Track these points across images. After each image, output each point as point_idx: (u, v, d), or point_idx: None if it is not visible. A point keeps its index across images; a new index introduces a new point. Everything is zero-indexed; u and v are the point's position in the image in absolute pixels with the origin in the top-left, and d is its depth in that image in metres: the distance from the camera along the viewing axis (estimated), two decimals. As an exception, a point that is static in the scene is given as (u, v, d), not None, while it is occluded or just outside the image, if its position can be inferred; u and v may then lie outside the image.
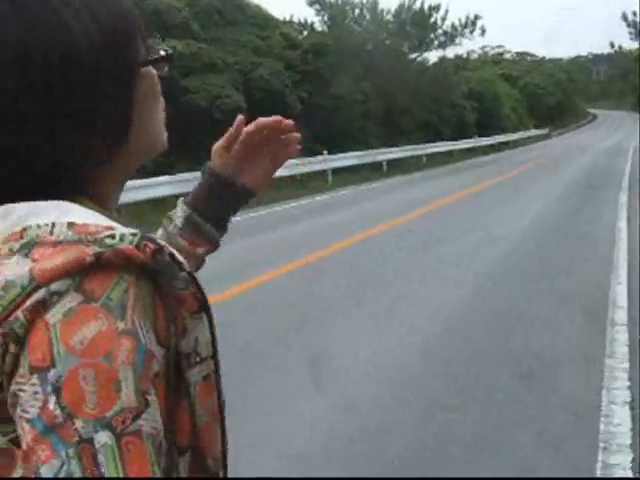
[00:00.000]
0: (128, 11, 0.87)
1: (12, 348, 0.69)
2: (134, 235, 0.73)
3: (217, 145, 1.19)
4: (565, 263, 9.98)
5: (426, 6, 33.26)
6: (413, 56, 34.16)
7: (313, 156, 24.16)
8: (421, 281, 8.99)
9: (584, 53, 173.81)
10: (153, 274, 0.73)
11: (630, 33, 49.93)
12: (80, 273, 0.70)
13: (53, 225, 0.74)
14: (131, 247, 0.72)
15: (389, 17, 33.14)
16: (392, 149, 30.01)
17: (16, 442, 0.71)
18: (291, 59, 27.37)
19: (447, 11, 33.18)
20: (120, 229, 0.75)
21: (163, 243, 0.75)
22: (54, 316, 0.69)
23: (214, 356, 0.82)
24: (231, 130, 1.17)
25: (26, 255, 0.73)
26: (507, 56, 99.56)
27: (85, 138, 0.81)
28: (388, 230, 13.05)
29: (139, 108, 0.87)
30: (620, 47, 47.20)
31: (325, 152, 24.49)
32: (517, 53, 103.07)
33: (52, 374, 0.68)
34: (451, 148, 37.59)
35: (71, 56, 0.79)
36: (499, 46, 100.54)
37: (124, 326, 0.70)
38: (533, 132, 60.48)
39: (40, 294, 0.69)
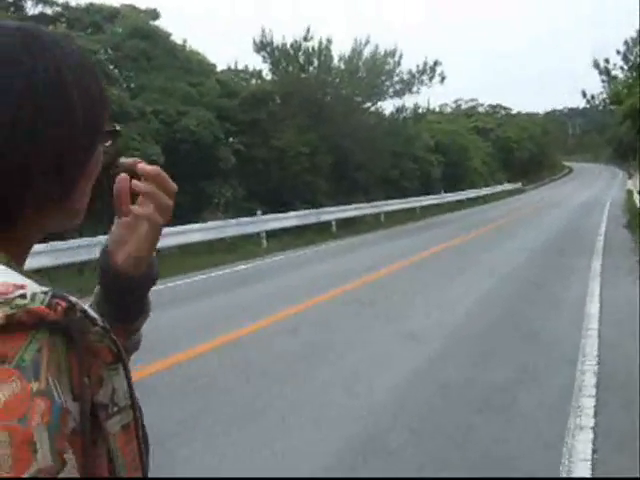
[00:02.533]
0: (102, 87, 0.95)
1: None
2: (45, 294, 0.73)
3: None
4: (497, 399, 6.47)
5: (381, 51, 30.46)
6: (367, 105, 31.20)
7: (250, 216, 21.37)
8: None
9: (559, 107, 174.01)
10: (66, 330, 0.73)
11: (602, 81, 48.09)
12: None
13: None
14: (42, 307, 0.72)
15: (340, 64, 30.28)
16: (344, 207, 26.99)
17: None
18: (227, 108, 24.51)
19: (401, 56, 30.38)
20: (31, 288, 0.74)
21: (74, 300, 0.75)
22: None
23: (132, 405, 0.83)
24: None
25: None
26: (480, 109, 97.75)
27: (41, 185, 0.84)
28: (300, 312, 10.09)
29: (87, 173, 0.92)
30: (593, 96, 44.94)
31: (259, 212, 21.56)
32: (490, 106, 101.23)
33: None
34: (413, 205, 34.71)
35: (65, 109, 0.86)
36: (472, 99, 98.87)
37: (38, 386, 0.70)
38: (506, 186, 58.05)
39: None
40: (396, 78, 30.96)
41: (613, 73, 39.53)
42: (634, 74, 21.67)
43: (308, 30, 30.53)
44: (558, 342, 8.29)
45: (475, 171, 51.96)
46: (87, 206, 0.96)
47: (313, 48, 30.41)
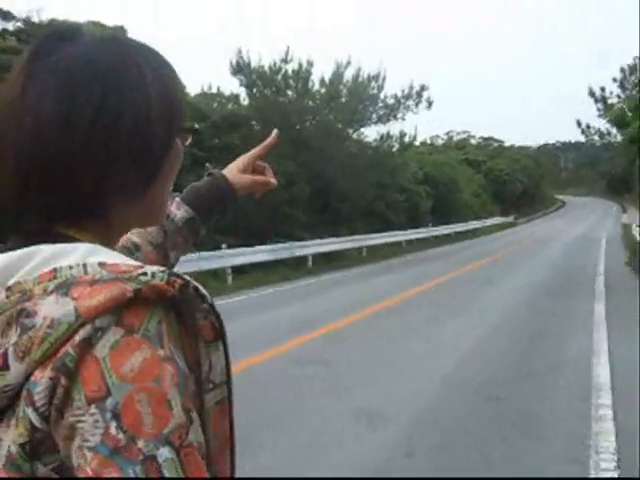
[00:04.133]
0: (181, 87, 1.00)
1: (63, 382, 0.74)
2: (162, 272, 0.80)
3: (245, 157, 1.52)
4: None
5: (364, 74, 28.56)
6: (349, 131, 29.24)
7: (216, 250, 19.25)
8: None
9: (552, 141, 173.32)
10: (178, 306, 0.81)
11: (598, 109, 46.48)
12: (119, 308, 0.76)
13: (85, 265, 0.81)
14: (162, 282, 0.79)
15: (322, 88, 28.37)
16: (322, 241, 24.86)
17: (57, 470, 0.77)
18: (195, 132, 22.53)
19: (384, 78, 28.47)
20: (149, 267, 0.81)
21: (188, 278, 0.82)
22: (101, 350, 0.75)
23: (228, 382, 0.89)
24: (260, 151, 1.53)
25: (65, 294, 0.77)
26: (472, 141, 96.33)
27: (125, 173, 0.89)
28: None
29: (165, 171, 0.96)
30: (588, 126, 43.46)
31: (224, 245, 19.44)
32: (482, 138, 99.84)
33: (109, 402, 0.74)
34: (399, 239, 32.66)
35: (144, 108, 0.91)
36: (464, 131, 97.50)
37: (164, 353, 0.77)
38: (498, 219, 56.15)
39: (86, 330, 0.75)
40: (380, 104, 28.99)
41: (610, 101, 37.86)
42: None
43: (287, 52, 28.69)
44: (558, 436, 6.12)
45: (465, 204, 50.05)
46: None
47: (293, 70, 28.56)
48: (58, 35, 0.93)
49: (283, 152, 25.29)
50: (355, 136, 29.98)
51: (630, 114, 17.75)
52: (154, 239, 1.38)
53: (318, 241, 24.51)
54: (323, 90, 28.27)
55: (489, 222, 52.58)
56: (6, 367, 0.76)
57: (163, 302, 0.80)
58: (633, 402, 6.91)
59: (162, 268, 0.82)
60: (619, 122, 19.21)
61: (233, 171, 1.49)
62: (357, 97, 28.21)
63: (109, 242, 0.93)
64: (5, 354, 0.76)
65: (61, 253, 0.83)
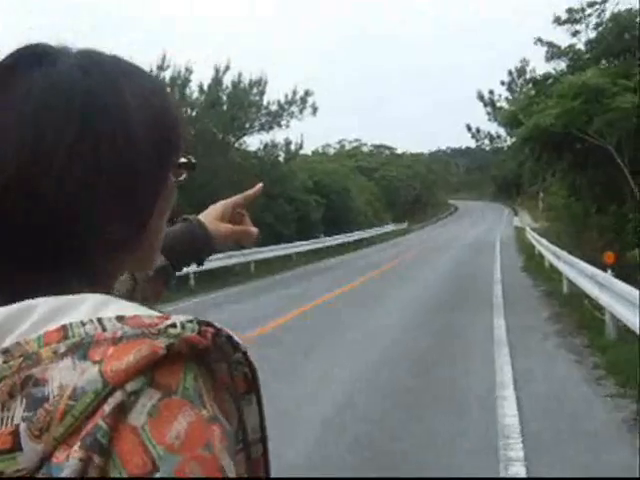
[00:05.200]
0: (178, 117, 0.89)
1: (97, 461, 0.65)
2: (191, 322, 0.72)
3: (222, 205, 1.44)
4: None
5: (245, 81, 26.95)
6: (231, 140, 27.56)
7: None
8: None
9: (443, 147, 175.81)
10: (209, 357, 0.73)
11: (488, 113, 46.47)
12: (150, 368, 0.68)
13: (100, 321, 0.71)
14: (194, 334, 0.71)
15: (201, 96, 26.62)
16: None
17: None
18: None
19: (266, 82, 26.94)
20: (174, 317, 0.73)
21: (219, 326, 0.74)
22: (138, 418, 0.66)
23: (263, 440, 0.81)
24: (239, 199, 1.46)
25: (83, 357, 0.68)
26: (364, 149, 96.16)
27: (107, 221, 0.79)
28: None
29: (158, 210, 0.86)
30: (478, 130, 43.67)
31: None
32: (374, 146, 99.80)
33: (158, 477, 0.65)
34: (289, 251, 31.14)
35: (125, 139, 0.80)
36: (356, 139, 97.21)
37: (207, 413, 0.69)
38: (391, 227, 55.47)
39: (117, 397, 0.66)
40: (263, 110, 27.45)
41: (498, 104, 37.50)
42: (531, 92, 18.92)
43: (164, 58, 26.83)
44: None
45: (358, 212, 49.04)
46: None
47: (171, 77, 26.73)
48: (32, 55, 0.82)
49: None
50: (237, 145, 28.30)
51: (522, 113, 16.85)
52: (122, 287, 1.20)
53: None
54: (202, 97, 26.52)
55: (383, 230, 51.78)
56: (18, 448, 0.65)
57: (195, 355, 0.71)
58: (547, 452, 5.55)
59: (190, 317, 0.73)
60: (512, 122, 18.34)
61: (210, 217, 1.41)
62: (238, 104, 26.57)
63: (106, 290, 0.81)
64: (15, 432, 0.65)
65: (67, 306, 0.73)
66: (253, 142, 50.31)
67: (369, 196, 58.26)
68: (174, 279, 1.40)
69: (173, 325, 0.71)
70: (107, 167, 0.77)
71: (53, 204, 0.75)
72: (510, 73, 35.41)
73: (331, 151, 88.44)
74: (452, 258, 28.09)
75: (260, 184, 1.50)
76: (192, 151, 0.91)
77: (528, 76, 18.79)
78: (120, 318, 0.71)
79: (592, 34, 17.53)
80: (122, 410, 0.66)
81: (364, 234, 45.37)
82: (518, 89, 29.63)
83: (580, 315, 12.02)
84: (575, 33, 17.87)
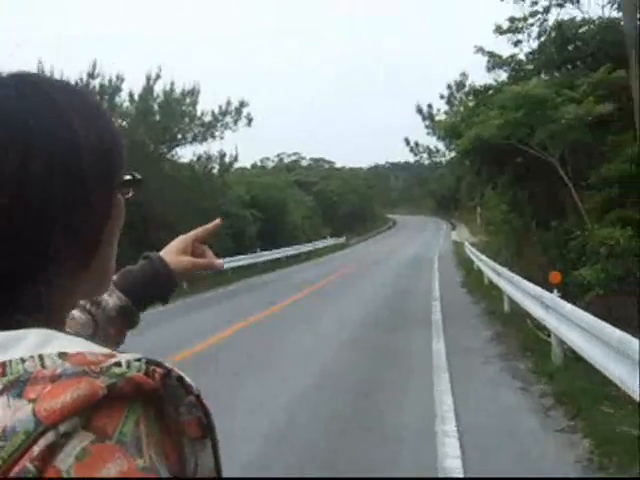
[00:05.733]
0: (119, 132, 0.86)
1: None
2: (139, 360, 0.69)
3: (182, 240, 1.41)
4: None
5: (178, 90, 26.01)
6: (162, 151, 26.55)
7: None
8: None
9: (382, 162, 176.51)
10: (157, 400, 0.69)
11: (426, 127, 46.31)
12: (87, 409, 0.64)
13: (41, 358, 0.68)
14: (140, 374, 0.67)
15: (131, 104, 25.57)
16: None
17: None
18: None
19: (198, 92, 26.03)
20: (121, 355, 0.69)
21: (170, 366, 0.71)
22: (65, 460, 0.62)
23: None
24: (200, 232, 1.44)
25: (18, 395, 0.65)
26: (303, 162, 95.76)
27: (59, 248, 0.76)
28: None
29: (109, 231, 0.84)
30: (417, 144, 43.37)
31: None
32: (313, 159, 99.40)
33: None
34: (226, 267, 30.19)
35: (73, 159, 0.77)
36: (295, 153, 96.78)
37: (143, 463, 0.64)
38: (329, 241, 54.79)
39: (49, 438, 0.62)
40: (196, 121, 26.53)
41: (437, 118, 37.20)
42: (470, 103, 18.37)
43: (94, 65, 25.77)
44: None
45: (296, 226, 48.31)
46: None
47: (101, 86, 25.67)
48: None
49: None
50: (169, 157, 27.32)
51: (463, 124, 16.30)
52: (83, 330, 1.16)
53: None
54: (132, 106, 25.50)
55: (321, 244, 51.07)
56: None
57: (140, 397, 0.66)
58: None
59: (137, 355, 0.69)
60: (452, 134, 17.76)
61: (171, 253, 1.38)
62: (170, 114, 25.62)
63: (58, 323, 0.78)
64: None
65: (7, 342, 0.70)
66: (186, 154, 49.36)
67: (307, 210, 57.63)
68: (139, 320, 1.34)
69: (118, 364, 0.67)
70: (59, 189, 0.74)
71: (3, 231, 0.72)
72: (449, 86, 35.15)
73: (270, 164, 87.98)
74: (389, 273, 27.47)
75: (219, 220, 1.50)
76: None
77: (467, 88, 18.13)
78: (62, 355, 0.67)
79: (534, 44, 17.19)
80: (52, 452, 0.61)
81: (302, 248, 44.59)
82: (457, 102, 29.22)
83: (523, 336, 11.42)
84: (517, 43, 17.44)
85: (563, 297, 9.07)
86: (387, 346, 11.34)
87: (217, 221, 1.51)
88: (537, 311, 10.42)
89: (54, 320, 0.77)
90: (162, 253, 1.38)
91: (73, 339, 0.73)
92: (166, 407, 0.69)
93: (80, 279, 0.81)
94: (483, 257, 21.27)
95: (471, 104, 17.97)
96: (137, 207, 23.99)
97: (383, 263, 34.18)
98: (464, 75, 23.14)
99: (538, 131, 13.81)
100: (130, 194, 0.89)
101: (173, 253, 1.38)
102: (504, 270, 14.72)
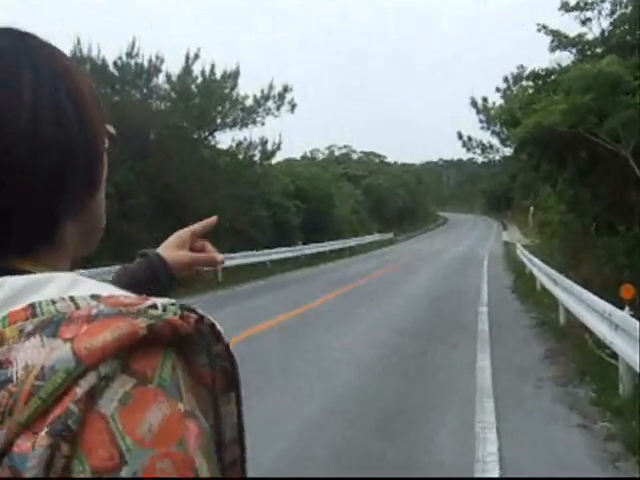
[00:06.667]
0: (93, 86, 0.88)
1: (65, 449, 0.58)
2: (174, 305, 0.67)
3: (179, 235, 1.33)
4: None
5: (218, 72, 24.75)
6: (201, 136, 25.30)
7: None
8: None
9: (435, 159, 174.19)
10: (188, 346, 0.67)
11: (481, 121, 44.27)
12: (126, 351, 0.62)
13: (73, 299, 0.65)
14: (176, 317, 0.66)
15: (168, 86, 24.40)
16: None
17: None
18: None
19: (238, 74, 24.71)
20: (155, 299, 0.68)
21: (202, 312, 0.69)
22: (108, 405, 0.60)
23: (240, 440, 0.76)
24: (197, 228, 1.35)
25: (53, 335, 0.62)
26: (354, 156, 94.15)
27: (75, 184, 0.78)
28: None
29: (104, 174, 0.86)
30: (470, 138, 41.34)
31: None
32: (364, 153, 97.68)
33: (125, 473, 0.59)
34: (263, 259, 28.94)
35: (81, 107, 0.80)
36: (346, 146, 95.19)
37: (184, 408, 0.63)
38: (376, 237, 53.27)
39: (90, 379, 0.60)
40: (238, 105, 25.26)
41: (492, 112, 35.36)
42: (528, 88, 16.60)
43: (133, 44, 24.68)
44: None
45: (342, 220, 46.91)
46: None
47: (140, 66, 24.58)
48: None
49: (119, 159, 21.27)
50: (207, 142, 26.09)
51: (520, 112, 14.60)
52: None
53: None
54: (167, 87, 24.32)
55: (368, 239, 49.65)
56: None
57: (174, 342, 0.65)
58: None
59: (171, 300, 0.68)
60: (509, 121, 16.01)
61: (169, 249, 1.32)
62: (208, 96, 24.38)
63: (67, 264, 0.80)
64: None
65: (35, 285, 0.68)
66: (225, 139, 48.29)
67: (354, 204, 56.27)
68: None
69: (154, 306, 0.65)
70: (74, 131, 0.77)
71: (24, 166, 0.73)
72: (506, 79, 33.22)
73: (320, 156, 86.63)
74: (435, 274, 25.90)
75: (214, 217, 1.42)
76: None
77: (527, 73, 16.29)
78: (95, 297, 0.65)
79: (605, 23, 15.34)
80: (94, 394, 0.59)
81: (347, 243, 43.21)
82: (515, 90, 27.37)
83: (582, 356, 9.88)
84: (585, 21, 15.60)
85: (636, 315, 7.54)
86: (425, 361, 9.92)
87: (213, 218, 1.40)
88: (600, 328, 8.91)
89: (65, 261, 0.78)
90: (160, 249, 1.31)
91: (100, 283, 0.70)
92: (196, 354, 0.66)
93: (80, 223, 0.79)
94: (536, 261, 19.62)
95: (531, 91, 16.18)
96: (172, 193, 22.93)
97: (429, 262, 32.59)
98: (521, 67, 21.47)
99: (610, 119, 12.03)
100: (107, 145, 0.87)
101: (171, 249, 1.31)
102: (561, 277, 13.14)
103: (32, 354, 0.60)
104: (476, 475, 5.50)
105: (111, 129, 0.89)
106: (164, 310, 0.65)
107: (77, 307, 0.64)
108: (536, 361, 10.00)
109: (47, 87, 0.76)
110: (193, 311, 0.67)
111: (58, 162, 0.75)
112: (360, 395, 8.06)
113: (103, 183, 0.85)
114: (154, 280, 1.26)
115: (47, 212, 0.75)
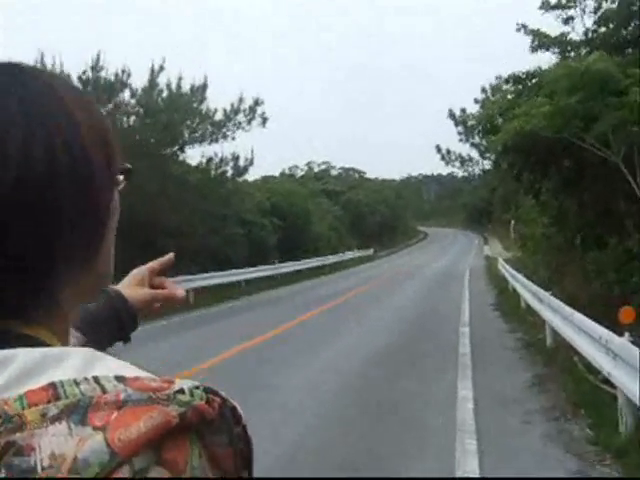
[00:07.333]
0: (109, 125, 0.82)
1: None
2: (198, 388, 0.64)
3: (138, 272, 1.31)
4: None
5: (186, 85, 23.83)
6: (168, 151, 24.32)
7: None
8: None
9: (415, 174, 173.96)
10: (209, 431, 0.64)
11: (459, 133, 43.81)
12: (158, 441, 0.59)
13: (97, 380, 0.62)
14: (203, 403, 0.63)
15: (132, 99, 23.45)
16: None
17: None
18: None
19: (205, 86, 23.77)
20: (180, 381, 0.65)
21: (224, 395, 0.66)
22: None
23: None
24: (155, 265, 1.33)
25: (81, 422, 0.58)
26: (333, 172, 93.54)
27: (69, 242, 0.72)
28: None
29: (109, 226, 0.80)
30: (448, 151, 40.84)
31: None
32: (343, 169, 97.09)
33: None
34: (237, 278, 27.88)
35: (74, 141, 0.73)
36: (325, 162, 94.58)
37: None
38: (355, 253, 52.42)
39: (125, 473, 0.57)
40: (208, 120, 24.34)
41: (470, 123, 34.64)
42: (507, 93, 15.66)
43: (98, 58, 23.73)
44: None
45: (320, 237, 46.01)
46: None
47: (106, 80, 23.62)
48: None
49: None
50: (175, 158, 25.14)
51: (500, 118, 13.70)
52: None
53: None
54: (133, 101, 23.37)
55: (347, 256, 48.76)
56: None
57: (199, 427, 0.62)
58: None
59: (196, 383, 0.65)
60: (488, 128, 15.06)
61: (128, 287, 1.29)
62: (176, 110, 23.43)
63: (66, 335, 0.76)
64: None
65: (50, 359, 0.64)
66: (193, 155, 47.44)
67: (333, 221, 55.44)
68: None
69: (181, 391, 0.62)
70: (63, 170, 0.70)
71: (8, 227, 0.67)
72: (484, 90, 32.57)
73: (299, 173, 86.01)
74: (415, 292, 25.01)
75: (172, 254, 1.38)
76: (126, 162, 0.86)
77: (506, 76, 15.36)
78: (120, 379, 0.62)
79: (589, 21, 14.42)
80: None
81: (325, 260, 42.28)
82: (493, 96, 26.60)
83: (573, 383, 8.96)
84: (568, 20, 14.70)
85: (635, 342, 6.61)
86: (401, 392, 8.96)
87: (170, 255, 1.37)
88: (591, 351, 8.02)
89: (66, 332, 0.75)
90: (119, 287, 1.29)
91: (118, 361, 0.68)
92: (215, 436, 0.63)
93: (83, 281, 0.74)
94: (520, 277, 18.75)
95: (510, 97, 15.26)
96: (143, 212, 21.94)
97: (410, 279, 31.70)
98: (500, 78, 20.72)
99: (598, 122, 11.04)
100: (123, 185, 0.83)
101: (129, 287, 1.29)
102: (547, 295, 12.23)
103: (59, 442, 0.56)
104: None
105: (126, 165, 0.83)
106: (192, 395, 0.62)
107: (103, 390, 0.60)
108: (522, 389, 9.07)
109: (38, 133, 0.69)
110: (217, 394, 0.64)
111: (44, 219, 0.68)
112: (325, 433, 7.09)
113: (111, 231, 0.79)
114: (116, 320, 1.24)
115: (40, 266, 0.69)
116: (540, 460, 6.24)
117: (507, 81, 15.37)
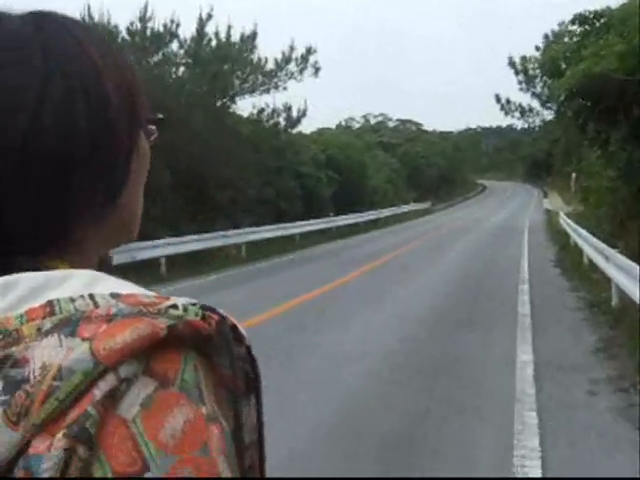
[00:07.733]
0: (135, 70, 0.83)
1: (82, 452, 0.57)
2: (194, 305, 0.65)
3: None
4: None
5: (236, 34, 23.20)
6: (220, 103, 23.79)
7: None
8: None
9: (473, 126, 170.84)
10: (209, 348, 0.66)
11: (519, 82, 42.32)
12: (146, 352, 0.61)
13: (92, 297, 0.64)
14: (197, 319, 0.64)
15: (181, 50, 22.94)
16: (181, 239, 19.44)
17: None
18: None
19: (255, 35, 23.13)
20: (176, 298, 0.66)
21: (225, 313, 0.67)
22: (129, 409, 0.59)
23: (259, 442, 0.73)
24: None
25: (71, 334, 0.61)
26: (390, 124, 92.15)
27: (86, 185, 0.73)
28: None
29: (134, 173, 0.80)
30: (508, 101, 39.56)
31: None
32: (400, 121, 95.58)
33: (147, 478, 0.58)
34: (291, 232, 27.44)
35: (94, 85, 0.74)
36: (381, 114, 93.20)
37: (206, 411, 0.62)
38: (412, 206, 51.67)
39: (109, 381, 0.59)
40: (259, 69, 23.72)
41: (531, 70, 33.38)
42: (574, 35, 14.67)
43: (146, 8, 23.23)
44: None
45: (376, 190, 45.28)
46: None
47: (155, 31, 23.15)
48: None
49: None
50: (231, 110, 24.60)
51: (565, 62, 12.81)
52: None
53: (174, 239, 19.08)
54: (181, 52, 22.85)
55: (403, 209, 48.09)
56: None
57: (195, 343, 0.64)
58: None
59: (192, 300, 0.66)
60: (552, 70, 14.17)
61: None
62: (223, 60, 22.87)
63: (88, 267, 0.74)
64: None
65: (52, 282, 0.66)
66: (244, 106, 47.01)
67: (390, 173, 54.58)
68: None
69: (174, 306, 0.64)
70: (82, 122, 0.71)
71: (25, 169, 0.69)
72: (546, 37, 31.27)
73: (355, 125, 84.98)
74: (473, 245, 24.34)
75: None
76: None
77: (572, 17, 14.26)
78: (115, 295, 0.64)
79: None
80: (113, 397, 0.58)
81: (381, 213, 41.64)
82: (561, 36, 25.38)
83: (643, 348, 8.32)
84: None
85: None
86: (453, 357, 8.42)
87: None
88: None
89: (86, 260, 0.74)
90: None
91: (120, 281, 0.69)
92: (218, 356, 0.65)
93: (106, 225, 0.75)
94: (582, 231, 17.94)
95: (576, 39, 14.29)
96: (193, 163, 21.56)
97: (467, 233, 30.95)
98: (562, 24, 19.62)
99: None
100: (155, 135, 0.83)
101: None
102: (613, 252, 11.50)
103: (49, 353, 0.59)
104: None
105: (157, 115, 0.84)
106: (185, 310, 0.63)
107: (96, 305, 0.62)
108: (587, 354, 8.46)
109: (57, 77, 0.70)
110: (215, 311, 0.65)
111: (60, 156, 0.69)
112: (371, 401, 6.61)
113: (137, 178, 0.79)
114: None
115: (53, 210, 0.70)
116: (607, 438, 5.66)
117: (573, 22, 14.38)
